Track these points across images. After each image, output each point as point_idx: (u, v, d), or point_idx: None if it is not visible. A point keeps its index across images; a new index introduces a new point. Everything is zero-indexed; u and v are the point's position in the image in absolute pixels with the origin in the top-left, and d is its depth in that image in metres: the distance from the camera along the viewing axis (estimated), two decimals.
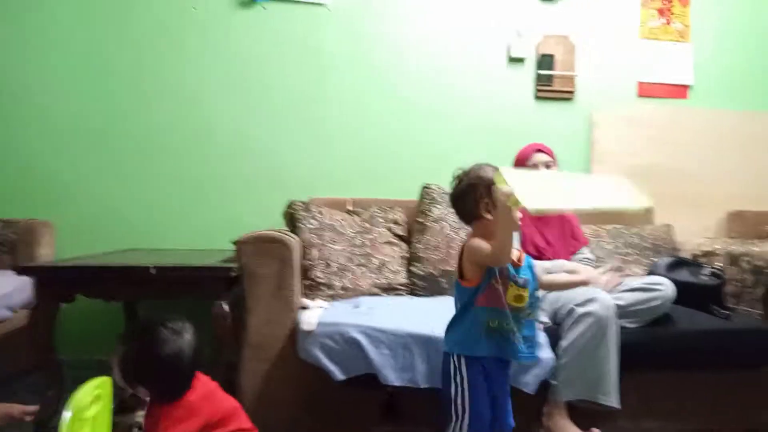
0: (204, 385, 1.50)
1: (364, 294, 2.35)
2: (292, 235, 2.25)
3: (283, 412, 1.97)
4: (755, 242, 2.52)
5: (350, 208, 2.66)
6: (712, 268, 2.35)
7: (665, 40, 3.12)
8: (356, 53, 2.95)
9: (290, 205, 2.47)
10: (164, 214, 2.86)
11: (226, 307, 1.98)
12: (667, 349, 2.02)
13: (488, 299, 1.48)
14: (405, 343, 1.88)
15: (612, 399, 1.90)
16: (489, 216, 1.49)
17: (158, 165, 2.87)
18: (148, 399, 1.49)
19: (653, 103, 3.08)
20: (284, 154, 2.91)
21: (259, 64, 2.90)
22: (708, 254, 2.54)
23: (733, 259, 2.40)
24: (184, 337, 1.46)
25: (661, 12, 3.13)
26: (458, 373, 1.50)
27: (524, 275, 1.52)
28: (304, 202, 2.49)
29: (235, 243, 2.06)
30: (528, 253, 2.34)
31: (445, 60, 2.99)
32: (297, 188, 2.79)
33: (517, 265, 1.51)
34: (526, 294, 1.50)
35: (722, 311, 2.19)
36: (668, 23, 3.14)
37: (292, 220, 2.43)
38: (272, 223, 2.47)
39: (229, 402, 1.54)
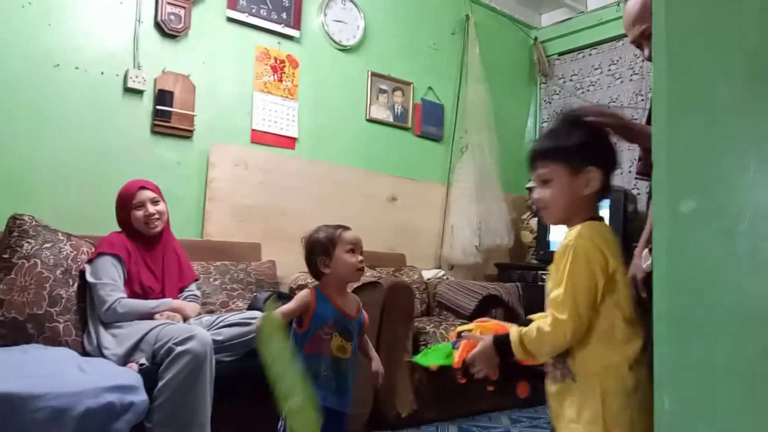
0: None
1: None
2: None
3: None
4: None
5: None
6: None
7: (276, 95, 3.50)
8: None
9: None
10: None
11: None
12: (256, 379, 2.22)
13: (313, 346, 1.65)
14: None
15: None
16: (327, 270, 1.74)
17: None
18: None
19: (264, 149, 3.41)
20: None
21: None
22: (301, 287, 2.92)
23: None
24: None
25: (274, 69, 3.51)
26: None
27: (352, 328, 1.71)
28: None
29: None
30: (134, 292, 2.33)
31: (56, 79, 2.73)
32: None
33: (352, 317, 1.73)
34: (349, 346, 1.69)
35: None
36: (280, 81, 3.53)
37: None
38: None
39: None
